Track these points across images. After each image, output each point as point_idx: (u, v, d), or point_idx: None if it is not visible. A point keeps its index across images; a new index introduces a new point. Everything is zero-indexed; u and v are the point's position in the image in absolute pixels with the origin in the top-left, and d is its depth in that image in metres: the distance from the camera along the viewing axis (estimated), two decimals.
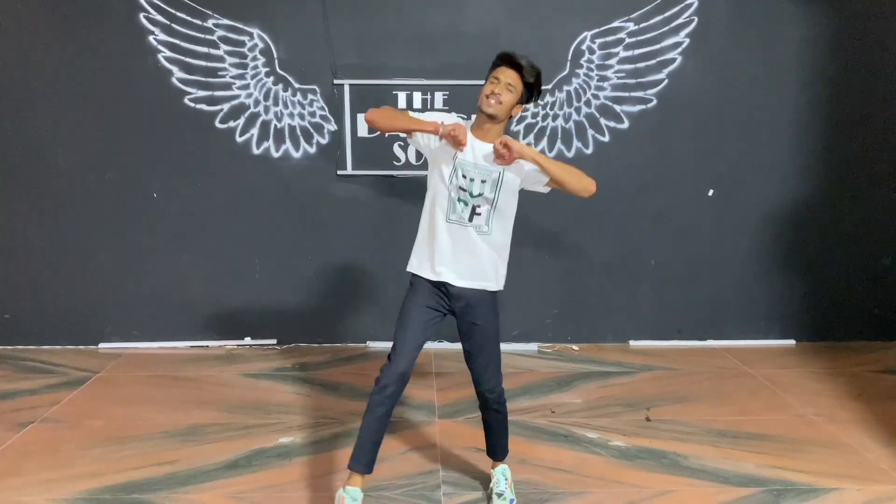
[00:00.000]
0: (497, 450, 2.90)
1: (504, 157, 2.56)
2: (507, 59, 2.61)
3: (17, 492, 2.90)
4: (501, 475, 2.86)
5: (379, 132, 2.75)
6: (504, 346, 4.63)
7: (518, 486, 2.96)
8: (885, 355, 4.63)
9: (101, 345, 4.71)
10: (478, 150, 2.65)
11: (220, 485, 2.97)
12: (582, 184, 2.67)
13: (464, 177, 2.64)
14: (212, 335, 4.74)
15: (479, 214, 2.66)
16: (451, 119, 2.72)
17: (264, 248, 4.65)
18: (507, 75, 2.60)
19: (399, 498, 2.88)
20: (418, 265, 2.73)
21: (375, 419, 2.59)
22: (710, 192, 4.72)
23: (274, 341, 4.77)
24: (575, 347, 4.82)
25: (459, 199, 2.65)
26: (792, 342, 4.90)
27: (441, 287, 2.68)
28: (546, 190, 2.79)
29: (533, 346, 4.81)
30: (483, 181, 2.64)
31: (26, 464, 3.13)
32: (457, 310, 2.70)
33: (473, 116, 2.75)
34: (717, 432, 3.51)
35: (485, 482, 2.98)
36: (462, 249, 2.66)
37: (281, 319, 4.75)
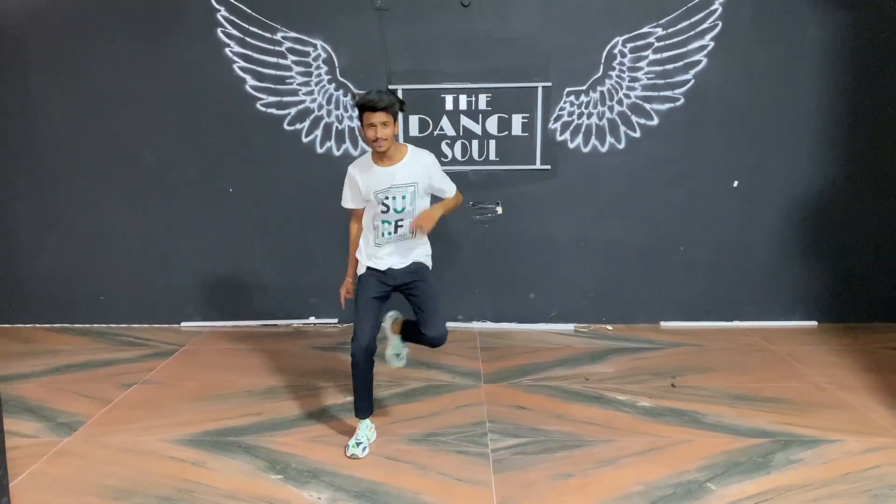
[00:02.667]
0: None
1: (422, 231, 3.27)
2: (369, 107, 3.06)
3: (131, 434, 3.47)
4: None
5: None
6: (543, 326, 5.24)
7: (555, 434, 3.42)
8: None
9: (183, 323, 5.31)
10: (388, 175, 3.22)
11: (300, 431, 3.50)
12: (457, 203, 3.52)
13: (385, 200, 3.22)
14: (280, 315, 5.31)
15: (402, 226, 3.28)
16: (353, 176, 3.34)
17: (326, 237, 5.18)
18: (377, 117, 3.08)
19: (453, 442, 3.37)
20: (365, 265, 3.35)
21: (358, 379, 3.26)
22: (735, 183, 5.09)
23: (335, 320, 5.31)
24: (609, 327, 5.24)
25: (384, 222, 3.26)
26: (814, 323, 5.23)
27: (386, 272, 3.30)
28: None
29: (570, 327, 5.24)
30: (403, 197, 3.24)
31: (136, 414, 3.71)
32: (401, 283, 3.33)
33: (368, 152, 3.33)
34: (735, 396, 3.91)
35: (525, 432, 3.44)
36: (395, 252, 3.31)
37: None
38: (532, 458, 3.21)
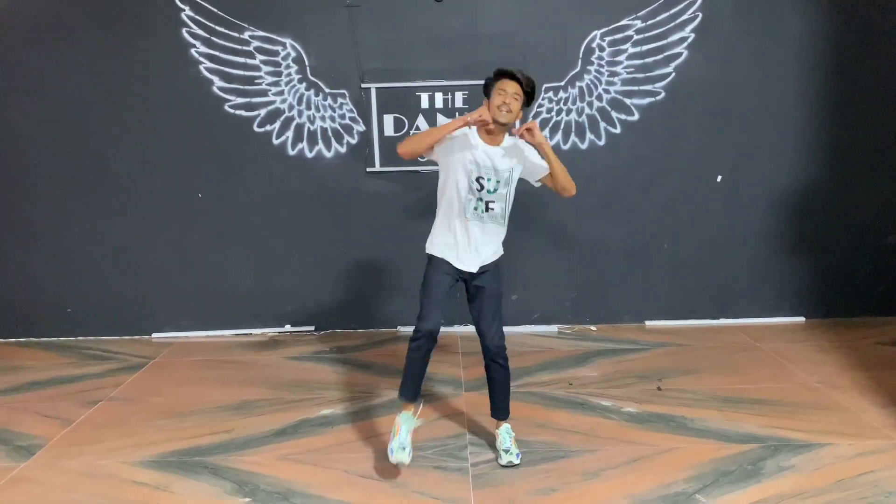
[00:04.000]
0: (500, 408, 3.24)
1: (525, 138, 3.00)
2: (508, 74, 2.96)
3: (95, 457, 3.30)
4: (506, 433, 3.21)
5: (412, 157, 3.09)
6: (525, 328, 5.09)
7: (537, 445, 3.28)
8: (889, 329, 4.86)
9: (154, 334, 5.13)
10: (490, 153, 3.04)
11: (271, 449, 3.33)
12: (571, 183, 3.18)
13: (479, 178, 3.03)
14: (255, 323, 5.13)
15: (493, 209, 3.08)
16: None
17: (301, 241, 5.02)
18: (512, 87, 2.95)
19: (431, 456, 3.22)
20: (440, 252, 3.12)
21: (417, 362, 3.07)
22: (719, 178, 4.97)
23: (312, 328, 5.14)
24: (593, 328, 5.12)
25: (478, 199, 3.05)
26: (801, 319, 5.14)
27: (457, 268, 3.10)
28: (537, 185, 3.25)
29: (553, 328, 5.11)
30: (498, 181, 3.06)
31: (100, 434, 3.53)
32: (467, 278, 3.13)
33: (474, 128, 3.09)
34: (722, 398, 3.79)
35: None
36: (480, 240, 3.10)
37: (318, 308, 5.12)
38: (513, 471, 3.08)
